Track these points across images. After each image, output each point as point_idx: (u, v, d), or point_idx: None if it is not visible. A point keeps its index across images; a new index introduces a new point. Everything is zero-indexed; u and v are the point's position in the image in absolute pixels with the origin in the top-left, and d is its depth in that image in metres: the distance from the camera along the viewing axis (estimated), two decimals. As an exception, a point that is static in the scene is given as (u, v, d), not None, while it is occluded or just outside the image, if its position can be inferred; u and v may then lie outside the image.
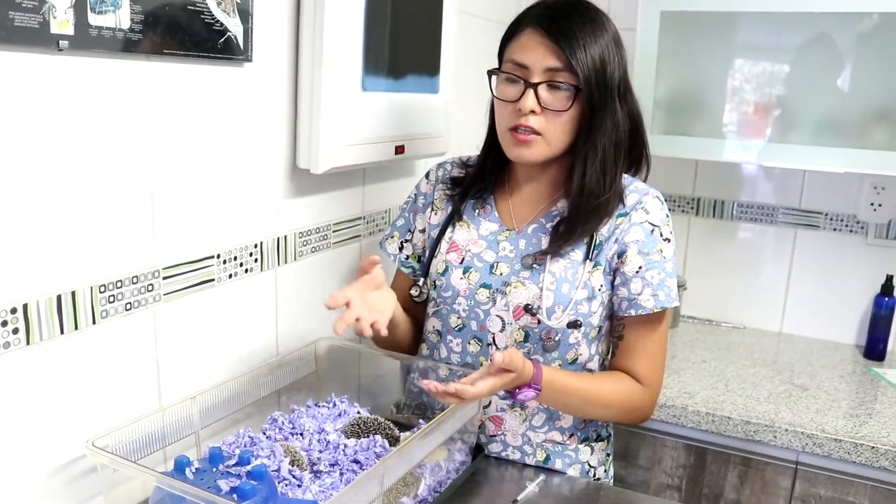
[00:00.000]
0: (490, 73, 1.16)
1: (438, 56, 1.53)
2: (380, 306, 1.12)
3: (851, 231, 1.96)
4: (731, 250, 2.09)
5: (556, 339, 1.15)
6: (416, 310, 1.30)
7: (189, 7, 0.99)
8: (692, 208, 2.11)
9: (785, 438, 1.47)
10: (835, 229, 1.97)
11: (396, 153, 1.42)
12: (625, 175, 1.18)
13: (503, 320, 1.17)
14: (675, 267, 1.17)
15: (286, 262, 1.30)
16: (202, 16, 1.02)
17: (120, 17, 0.90)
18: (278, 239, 1.27)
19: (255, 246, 1.22)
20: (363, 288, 1.11)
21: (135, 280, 1.00)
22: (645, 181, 1.21)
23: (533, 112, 1.09)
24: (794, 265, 2.03)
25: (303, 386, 1.29)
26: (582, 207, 1.13)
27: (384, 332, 1.09)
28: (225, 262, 1.16)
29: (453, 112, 1.60)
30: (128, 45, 0.92)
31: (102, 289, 0.96)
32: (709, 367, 1.78)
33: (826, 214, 1.98)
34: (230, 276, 1.17)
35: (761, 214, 2.04)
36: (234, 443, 1.09)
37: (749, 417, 1.50)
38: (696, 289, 2.12)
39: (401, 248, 1.31)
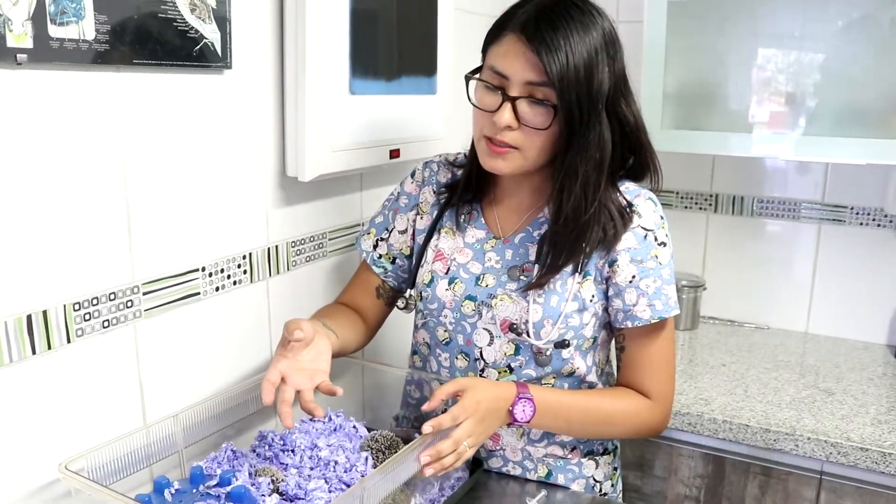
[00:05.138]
0: (467, 77, 1.08)
1: (435, 56, 1.48)
2: (317, 364, 1.02)
3: (879, 225, 1.86)
4: (752, 247, 2.01)
5: (548, 353, 1.10)
6: (375, 307, 1.26)
7: (160, 15, 0.96)
8: (710, 205, 2.04)
9: (807, 447, 1.40)
10: (861, 223, 1.88)
11: (391, 157, 1.38)
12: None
13: (491, 334, 1.12)
14: (674, 272, 1.09)
15: (278, 272, 1.27)
16: (175, 23, 0.99)
17: (84, 28, 0.87)
18: (269, 249, 1.24)
19: (244, 257, 1.19)
20: (294, 354, 1.00)
21: (112, 297, 0.98)
22: (657, 190, 1.12)
23: (509, 127, 1.01)
24: (820, 262, 1.94)
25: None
26: (560, 234, 1.05)
27: (338, 391, 0.99)
28: (211, 274, 1.13)
29: (453, 113, 1.56)
30: (94, 57, 0.89)
31: (77, 307, 0.93)
32: (728, 371, 1.70)
33: (852, 208, 1.88)
34: (217, 288, 1.14)
35: (783, 210, 1.96)
36: (216, 457, 1.06)
37: (769, 425, 1.43)
38: (716, 288, 2.04)
39: (375, 247, 1.25)
